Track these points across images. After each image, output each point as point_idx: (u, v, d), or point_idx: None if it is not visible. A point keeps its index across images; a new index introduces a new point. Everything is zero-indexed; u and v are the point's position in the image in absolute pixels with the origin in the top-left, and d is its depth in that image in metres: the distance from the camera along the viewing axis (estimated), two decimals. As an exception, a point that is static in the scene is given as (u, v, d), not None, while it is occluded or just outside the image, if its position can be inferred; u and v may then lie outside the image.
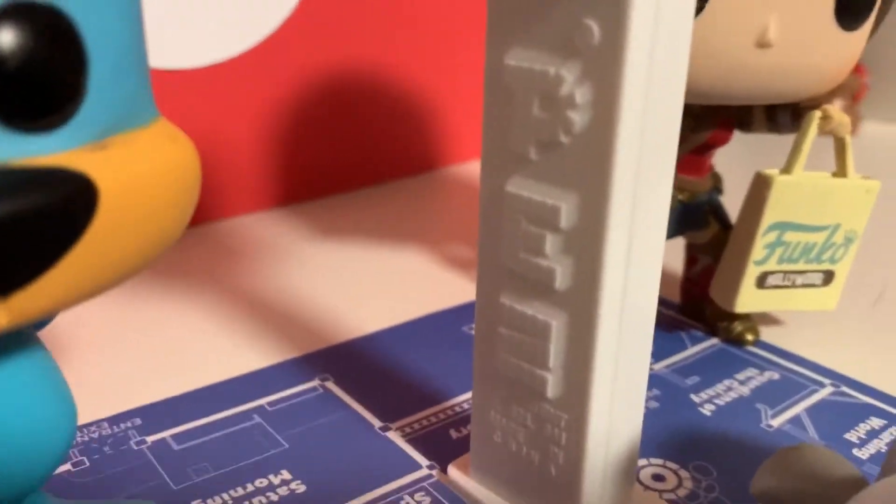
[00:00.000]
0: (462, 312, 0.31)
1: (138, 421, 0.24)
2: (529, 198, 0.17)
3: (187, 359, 0.27)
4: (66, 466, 0.21)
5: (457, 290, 0.33)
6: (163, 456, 0.22)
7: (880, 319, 0.31)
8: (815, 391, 0.26)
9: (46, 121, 0.13)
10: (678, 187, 0.28)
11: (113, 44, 0.14)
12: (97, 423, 0.23)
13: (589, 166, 0.16)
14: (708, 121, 0.27)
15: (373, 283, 0.33)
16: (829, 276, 0.28)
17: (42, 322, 0.19)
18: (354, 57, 0.40)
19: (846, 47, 0.25)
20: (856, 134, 0.58)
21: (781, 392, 0.26)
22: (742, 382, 0.27)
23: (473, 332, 0.20)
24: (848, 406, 0.25)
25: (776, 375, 0.27)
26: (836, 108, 0.26)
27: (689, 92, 0.24)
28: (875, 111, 0.62)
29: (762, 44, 0.23)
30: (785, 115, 0.27)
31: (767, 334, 0.30)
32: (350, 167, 0.43)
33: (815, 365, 0.28)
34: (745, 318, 0.29)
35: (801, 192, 0.26)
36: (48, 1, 0.13)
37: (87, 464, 0.22)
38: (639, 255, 0.17)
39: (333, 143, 0.41)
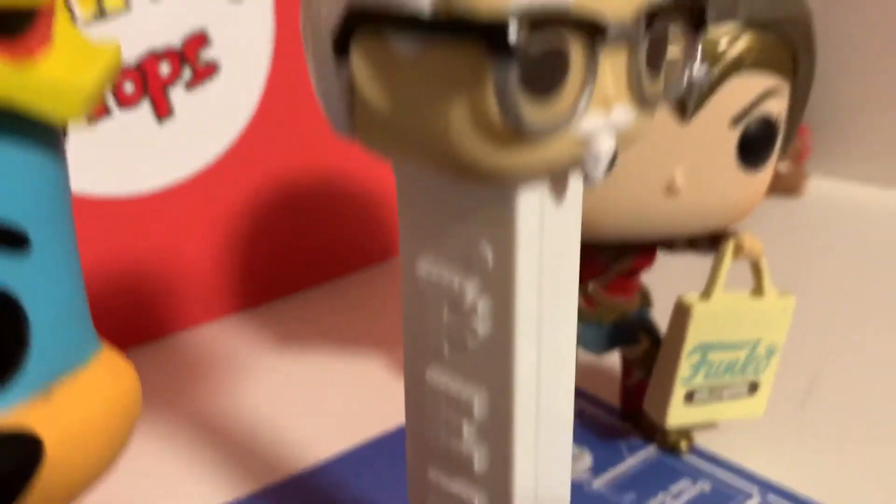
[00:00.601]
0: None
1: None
2: (447, 388, 0.19)
3: (135, 498, 0.29)
4: None
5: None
6: None
7: (809, 419, 0.33)
8: (742, 502, 0.28)
9: (-8, 384, 0.15)
10: (609, 308, 0.30)
11: (53, 310, 0.15)
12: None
13: (493, 367, 0.18)
14: (630, 250, 0.29)
15: (333, 394, 0.35)
16: (753, 386, 0.30)
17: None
18: (301, 162, 0.42)
19: (751, 184, 0.27)
20: (801, 193, 0.61)
21: (712, 504, 0.28)
22: (675, 496, 0.28)
23: None
24: (774, 516, 0.27)
25: (707, 487, 0.29)
26: (748, 237, 0.28)
27: (604, 232, 0.26)
28: (821, 166, 0.64)
29: (671, 191, 0.25)
30: (704, 241, 0.29)
31: (702, 439, 0.31)
32: (307, 264, 0.44)
33: (745, 473, 0.29)
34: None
35: (719, 316, 0.28)
36: (-9, 283, 0.14)
37: None
38: (547, 443, 0.19)
39: (288, 243, 0.43)
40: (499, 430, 0.18)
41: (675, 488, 0.29)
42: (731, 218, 0.28)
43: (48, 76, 0.14)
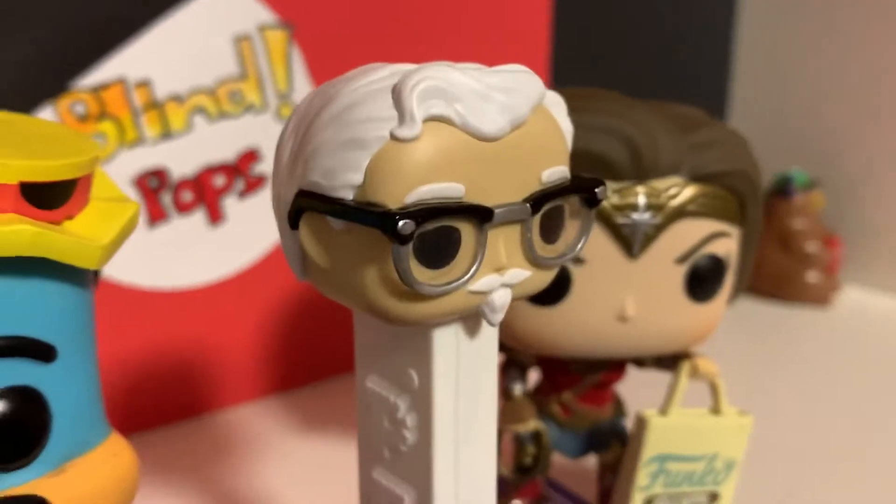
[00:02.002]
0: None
1: None
2: (386, 486, 0.22)
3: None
4: None
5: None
6: None
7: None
8: None
9: (20, 463, 0.19)
10: (583, 417, 0.33)
11: (71, 405, 0.20)
12: None
13: (418, 471, 0.21)
14: (600, 364, 0.32)
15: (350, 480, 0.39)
16: (714, 497, 0.33)
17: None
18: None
19: (702, 314, 0.30)
20: (831, 303, 0.62)
21: None
22: None
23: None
24: None
25: (662, 589, 0.31)
26: (702, 361, 0.31)
27: (565, 352, 0.29)
28: (854, 277, 0.65)
29: (622, 318, 0.29)
30: (668, 359, 0.32)
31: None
32: (335, 354, 0.48)
33: None
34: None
35: (676, 430, 0.31)
36: (27, 383, 0.19)
37: None
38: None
39: (318, 333, 0.48)
40: (424, 526, 0.22)
41: (631, 588, 0.31)
42: (685, 342, 0.31)
43: (75, 236, 0.19)
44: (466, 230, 0.18)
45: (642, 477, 0.31)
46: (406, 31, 0.47)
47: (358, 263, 0.18)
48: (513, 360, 0.33)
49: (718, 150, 0.29)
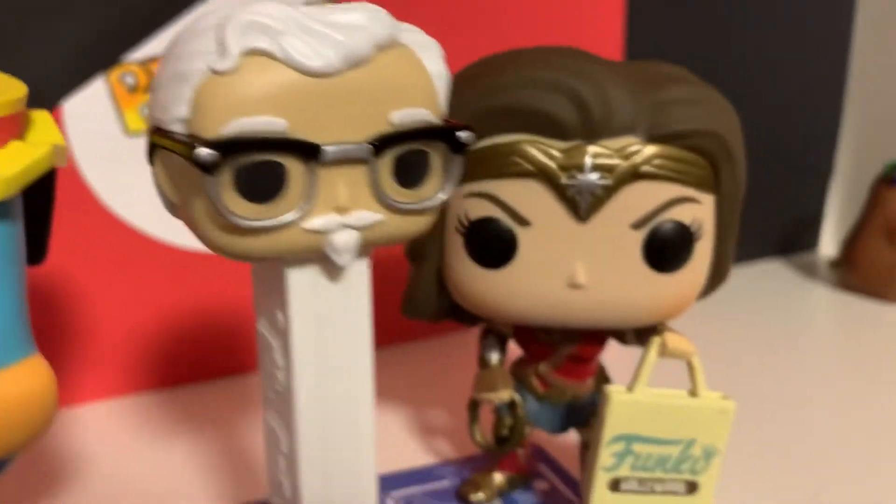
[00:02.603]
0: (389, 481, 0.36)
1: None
2: (272, 427, 0.23)
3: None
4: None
5: (401, 455, 0.38)
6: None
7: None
8: None
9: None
10: (561, 391, 0.32)
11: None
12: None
13: (287, 410, 0.22)
14: (574, 336, 0.31)
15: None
16: (692, 486, 0.30)
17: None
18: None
19: (667, 286, 0.28)
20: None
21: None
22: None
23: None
24: None
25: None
26: (672, 337, 0.29)
27: (519, 318, 0.29)
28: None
29: (573, 285, 0.28)
30: (648, 333, 0.30)
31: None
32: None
33: None
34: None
35: (641, 410, 0.29)
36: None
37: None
38: (338, 480, 0.22)
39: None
40: (292, 465, 0.22)
41: (590, 571, 0.30)
42: (652, 315, 0.29)
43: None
44: (294, 167, 0.19)
45: (605, 457, 0.30)
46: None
47: (193, 197, 0.19)
48: (491, 330, 0.33)
49: (685, 109, 0.27)
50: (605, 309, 0.28)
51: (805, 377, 0.45)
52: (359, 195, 0.20)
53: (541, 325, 0.30)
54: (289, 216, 0.19)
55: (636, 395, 0.29)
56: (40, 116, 0.25)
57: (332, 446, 0.22)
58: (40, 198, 0.25)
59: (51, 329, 0.43)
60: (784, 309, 0.55)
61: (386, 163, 0.20)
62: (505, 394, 0.31)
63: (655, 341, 0.29)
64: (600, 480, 0.30)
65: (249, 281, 0.45)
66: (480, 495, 0.34)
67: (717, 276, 0.30)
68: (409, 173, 0.20)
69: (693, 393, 0.30)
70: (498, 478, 0.34)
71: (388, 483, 0.35)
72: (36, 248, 0.27)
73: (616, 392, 0.29)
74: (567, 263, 0.27)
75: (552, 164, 0.27)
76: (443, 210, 0.29)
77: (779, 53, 0.60)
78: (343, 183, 0.19)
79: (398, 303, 0.44)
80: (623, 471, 0.30)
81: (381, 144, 0.19)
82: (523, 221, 0.27)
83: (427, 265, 0.30)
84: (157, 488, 0.35)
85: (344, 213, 0.19)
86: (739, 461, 0.35)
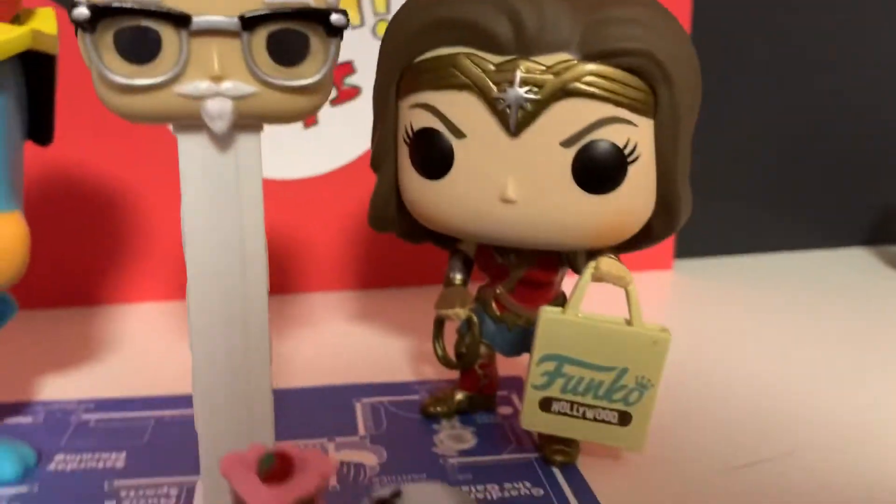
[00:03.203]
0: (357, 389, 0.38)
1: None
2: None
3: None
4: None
5: (383, 372, 0.40)
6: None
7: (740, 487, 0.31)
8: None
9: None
10: (516, 314, 0.33)
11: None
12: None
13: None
14: (523, 260, 0.32)
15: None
16: (625, 417, 0.30)
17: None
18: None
19: (599, 208, 0.28)
20: None
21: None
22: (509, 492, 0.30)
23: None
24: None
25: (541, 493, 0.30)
26: (605, 262, 0.29)
27: (454, 230, 0.30)
28: None
29: (504, 200, 0.28)
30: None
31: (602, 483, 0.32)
32: (408, 265, 0.51)
33: None
34: (567, 443, 0.32)
35: (571, 331, 0.29)
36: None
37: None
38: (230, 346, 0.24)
39: (394, 244, 0.51)
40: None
41: (513, 486, 0.30)
42: (583, 237, 0.29)
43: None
44: (168, 33, 0.21)
45: (536, 375, 0.30)
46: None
47: (91, 61, 0.22)
48: (457, 251, 0.34)
49: (623, 28, 0.27)
50: (536, 226, 0.29)
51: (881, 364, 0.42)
52: (233, 67, 0.22)
53: (479, 240, 0.30)
54: (161, 78, 0.21)
55: (567, 315, 0.30)
56: (44, 11, 0.29)
57: (223, 335, 0.24)
58: (41, 82, 0.30)
59: (117, 233, 0.48)
60: (866, 296, 0.52)
61: (259, 39, 0.22)
62: (461, 311, 0.32)
63: (590, 265, 0.29)
64: (531, 398, 0.30)
65: (293, 205, 0.49)
66: (438, 409, 0.35)
67: (667, 212, 0.30)
68: (286, 52, 0.22)
69: (630, 322, 0.30)
70: (459, 395, 0.35)
71: (361, 390, 0.38)
72: (41, 129, 0.31)
73: (547, 311, 0.30)
74: (499, 177, 0.28)
75: (485, 77, 0.27)
76: (395, 120, 0.31)
77: (870, 39, 0.56)
78: (217, 53, 0.21)
79: (412, 248, 0.45)
80: (553, 391, 0.30)
81: (250, 21, 0.21)
82: (459, 133, 0.28)
83: (384, 174, 0.32)
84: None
85: (218, 82, 0.22)
86: (819, 450, 0.34)
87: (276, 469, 0.18)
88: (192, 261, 0.24)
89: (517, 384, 0.38)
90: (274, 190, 0.49)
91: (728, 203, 0.58)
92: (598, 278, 0.29)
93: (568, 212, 0.28)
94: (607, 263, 0.29)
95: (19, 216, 0.29)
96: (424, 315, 0.48)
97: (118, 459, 0.32)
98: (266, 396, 0.26)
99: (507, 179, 0.28)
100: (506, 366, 0.39)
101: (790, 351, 0.43)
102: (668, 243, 0.56)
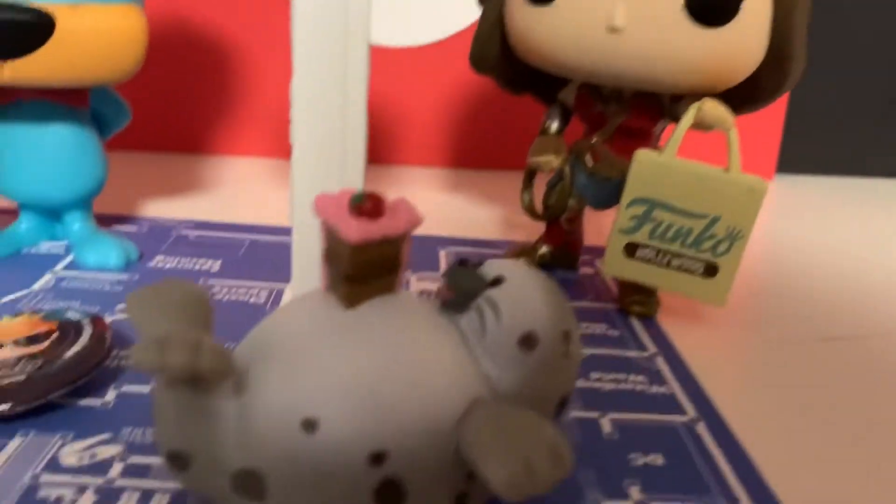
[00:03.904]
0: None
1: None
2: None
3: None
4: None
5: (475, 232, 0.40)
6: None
7: (821, 359, 0.30)
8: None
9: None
10: (611, 165, 0.32)
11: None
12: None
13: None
14: (624, 106, 0.31)
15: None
16: (711, 269, 0.30)
17: (109, 128, 0.34)
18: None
19: (709, 43, 0.27)
20: None
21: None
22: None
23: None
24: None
25: (642, 378, 0.30)
26: (710, 102, 0.28)
27: (558, 67, 0.30)
28: None
29: (611, 29, 0.28)
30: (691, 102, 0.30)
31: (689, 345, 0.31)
32: (502, 148, 0.51)
33: (695, 388, 0.29)
34: (646, 295, 0.32)
35: (666, 174, 0.29)
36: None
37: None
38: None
39: (497, 123, 0.51)
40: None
41: (588, 326, 0.30)
42: (692, 74, 0.28)
43: None
44: None
45: (624, 218, 0.30)
46: None
47: None
48: (557, 101, 0.34)
49: None
50: (643, 59, 0.28)
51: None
52: None
53: (583, 74, 0.30)
54: None
55: (664, 157, 0.29)
56: None
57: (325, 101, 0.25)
58: None
59: (225, 86, 0.50)
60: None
61: None
62: (554, 159, 0.32)
63: (694, 105, 0.29)
64: (616, 242, 0.30)
65: (395, 74, 0.50)
66: (521, 261, 0.35)
67: (778, 66, 0.29)
68: None
69: (727, 168, 0.29)
70: (542, 248, 0.35)
71: (446, 241, 0.38)
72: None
73: (642, 153, 0.29)
74: (608, 3, 0.28)
75: None
76: (507, -52, 0.31)
77: None
78: None
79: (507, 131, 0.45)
80: (640, 236, 0.30)
81: None
82: (573, -42, 0.28)
83: (490, 5, 0.31)
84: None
85: None
86: None
87: (367, 207, 0.19)
88: (297, 119, 0.25)
89: (600, 252, 0.38)
90: (379, 56, 0.49)
91: (836, 121, 0.55)
92: (700, 120, 0.29)
93: (677, 45, 0.28)
94: (712, 104, 0.28)
95: (140, 10, 0.30)
96: (511, 193, 0.48)
97: (214, 265, 0.33)
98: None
99: (616, 6, 0.28)
100: (591, 236, 0.39)
101: (883, 253, 0.41)
102: (772, 154, 0.54)
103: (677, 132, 0.29)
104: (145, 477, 0.20)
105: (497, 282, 0.20)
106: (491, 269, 0.20)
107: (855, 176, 0.57)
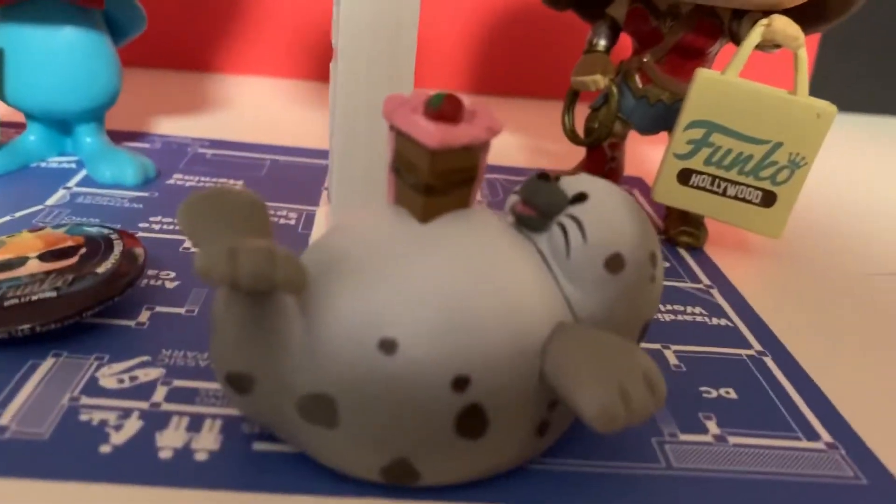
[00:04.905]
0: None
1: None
2: None
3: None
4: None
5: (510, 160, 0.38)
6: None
7: (869, 297, 0.29)
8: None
9: None
10: (661, 87, 0.31)
11: None
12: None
13: None
14: (682, 23, 0.29)
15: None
16: (769, 198, 0.28)
17: (123, 34, 0.32)
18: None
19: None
20: None
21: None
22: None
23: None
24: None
25: (701, 312, 0.28)
26: (780, 18, 0.26)
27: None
28: None
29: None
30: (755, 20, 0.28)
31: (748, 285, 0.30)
32: (531, 74, 0.49)
33: (759, 324, 0.28)
34: (696, 226, 0.30)
35: (728, 94, 0.27)
36: None
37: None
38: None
39: (517, 51, 0.49)
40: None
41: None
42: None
43: None
44: None
45: (680, 142, 0.28)
46: None
47: None
48: (606, 15, 0.32)
49: None
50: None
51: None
52: None
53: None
54: None
55: (727, 76, 0.27)
56: None
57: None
58: None
59: (239, 5, 0.47)
60: None
61: None
62: (600, 78, 0.30)
63: (762, 21, 0.27)
64: (670, 167, 0.29)
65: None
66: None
67: None
68: None
69: (794, 91, 0.27)
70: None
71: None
72: None
73: (706, 71, 0.28)
74: None
75: None
76: None
77: None
78: None
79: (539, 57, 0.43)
80: (696, 162, 0.28)
81: None
82: None
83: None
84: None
85: None
86: None
87: (446, 110, 0.17)
88: (345, 33, 0.22)
89: (639, 184, 0.36)
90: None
91: (868, 60, 0.53)
92: (768, 37, 0.27)
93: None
94: (783, 21, 0.26)
95: None
96: (546, 121, 0.46)
97: (236, 184, 0.31)
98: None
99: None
100: (631, 166, 0.38)
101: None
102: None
103: (743, 50, 0.27)
104: (192, 402, 0.19)
105: (580, 198, 0.18)
106: (571, 184, 0.19)
107: (885, 115, 0.56)
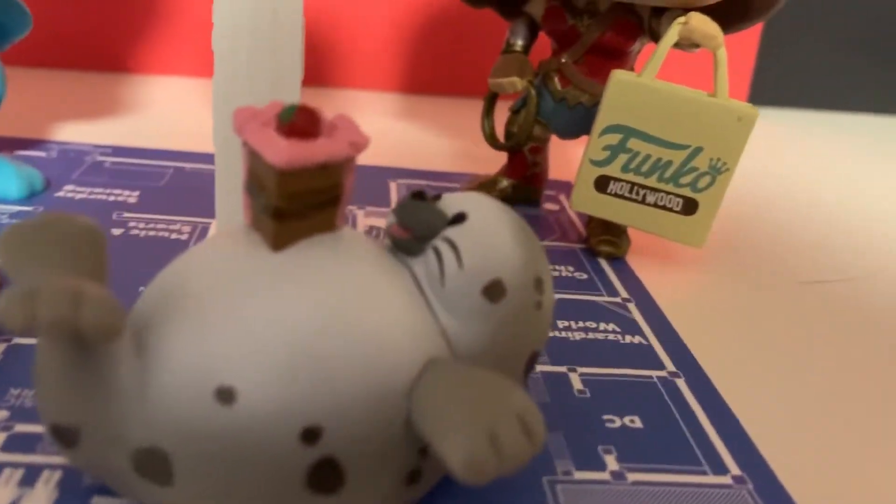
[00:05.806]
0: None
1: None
2: None
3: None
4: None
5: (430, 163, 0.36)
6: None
7: (803, 304, 0.28)
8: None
9: None
10: (580, 89, 0.29)
11: None
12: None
13: None
14: (599, 21, 0.28)
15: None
16: (690, 205, 0.27)
17: (5, 36, 0.29)
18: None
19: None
20: None
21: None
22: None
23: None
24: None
25: (613, 326, 0.27)
26: (699, 17, 0.25)
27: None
28: None
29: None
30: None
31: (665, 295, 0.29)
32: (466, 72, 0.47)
33: (675, 342, 0.26)
34: (616, 235, 0.29)
35: (644, 97, 0.26)
36: None
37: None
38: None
39: (446, 53, 0.47)
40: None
41: (554, 268, 0.27)
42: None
43: None
44: None
45: (596, 148, 0.27)
46: None
47: None
48: (523, 14, 0.30)
49: None
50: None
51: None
52: None
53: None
54: None
55: (643, 78, 0.26)
56: None
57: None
58: None
59: (147, 3, 0.45)
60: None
61: None
62: (518, 81, 0.29)
63: (679, 20, 0.25)
64: (587, 174, 0.27)
65: None
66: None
67: None
68: None
69: (713, 94, 0.26)
70: (503, 182, 0.32)
71: (396, 172, 0.34)
72: None
73: (621, 73, 0.26)
74: None
75: None
76: None
77: None
78: None
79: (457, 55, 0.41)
80: (613, 169, 0.27)
81: None
82: None
83: None
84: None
85: None
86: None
87: (298, 124, 0.15)
88: (219, 35, 0.21)
89: (566, 188, 0.35)
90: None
91: (814, 53, 0.52)
92: (685, 37, 0.25)
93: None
94: (700, 19, 0.25)
95: None
96: (470, 122, 0.45)
97: (131, 196, 0.29)
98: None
99: None
100: (557, 169, 0.36)
101: (867, 191, 0.39)
102: (744, 84, 0.51)
103: (659, 50, 0.26)
104: (32, 451, 0.17)
105: (458, 219, 0.16)
106: (450, 203, 0.17)
107: (828, 111, 0.55)
